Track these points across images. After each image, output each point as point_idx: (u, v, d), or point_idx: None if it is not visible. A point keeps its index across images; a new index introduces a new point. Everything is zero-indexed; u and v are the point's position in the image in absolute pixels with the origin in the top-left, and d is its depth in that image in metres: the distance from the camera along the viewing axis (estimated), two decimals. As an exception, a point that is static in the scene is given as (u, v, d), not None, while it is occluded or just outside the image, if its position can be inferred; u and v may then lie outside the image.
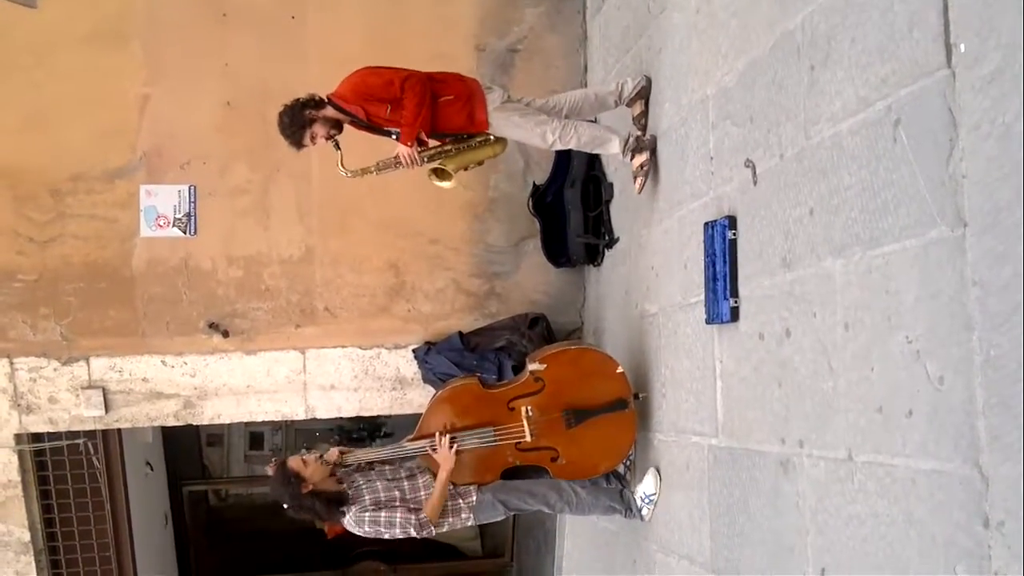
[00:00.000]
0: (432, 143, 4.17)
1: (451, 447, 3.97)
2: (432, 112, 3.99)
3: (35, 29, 5.19)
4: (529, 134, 4.20)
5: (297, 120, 4.03)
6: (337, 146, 4.14)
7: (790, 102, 2.84)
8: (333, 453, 4.04)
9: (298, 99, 4.05)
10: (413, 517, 3.90)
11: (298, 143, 4.10)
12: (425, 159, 4.14)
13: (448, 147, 4.17)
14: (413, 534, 3.95)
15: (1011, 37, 1.87)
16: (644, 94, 4.26)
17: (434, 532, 3.97)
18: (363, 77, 4.04)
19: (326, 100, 4.06)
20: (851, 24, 2.49)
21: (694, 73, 3.68)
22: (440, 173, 4.21)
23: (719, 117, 3.42)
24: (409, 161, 4.08)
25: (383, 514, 3.90)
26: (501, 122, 4.11)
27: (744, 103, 3.18)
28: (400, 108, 3.97)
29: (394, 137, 4.11)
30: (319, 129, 4.06)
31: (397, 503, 3.98)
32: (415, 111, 3.93)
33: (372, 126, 4.13)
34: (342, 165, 4.17)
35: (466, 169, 4.31)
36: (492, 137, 4.18)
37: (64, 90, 5.22)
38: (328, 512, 3.94)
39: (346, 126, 4.15)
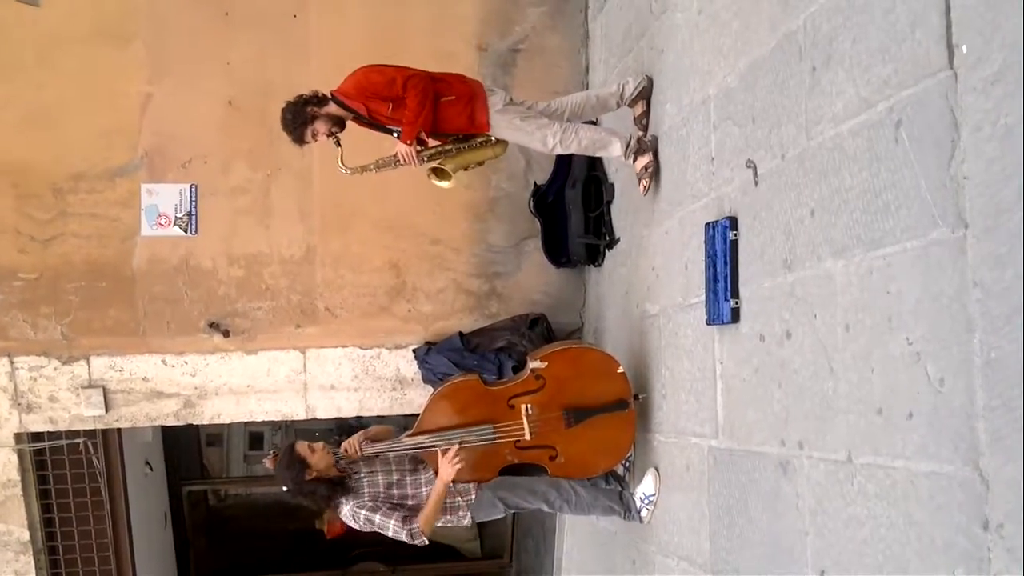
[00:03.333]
0: (432, 143, 4.20)
1: (455, 459, 3.91)
2: (433, 112, 4.01)
3: (38, 27, 5.19)
4: (530, 138, 4.20)
5: (300, 116, 4.07)
6: (338, 143, 4.15)
7: (791, 103, 2.84)
8: (354, 444, 4.02)
9: (301, 95, 4.09)
10: (404, 529, 3.87)
11: (300, 139, 4.14)
12: (425, 158, 4.17)
13: (448, 147, 4.19)
14: (404, 540, 3.93)
15: (1013, 38, 1.87)
16: (645, 94, 4.27)
17: (426, 541, 3.93)
18: (366, 74, 4.07)
19: (329, 97, 4.08)
20: (853, 25, 2.48)
21: (696, 73, 3.68)
22: (439, 172, 4.23)
23: (720, 117, 3.41)
24: (408, 159, 4.10)
25: (377, 517, 3.89)
26: (502, 125, 4.12)
27: (746, 104, 3.17)
28: (402, 107, 3.99)
29: (395, 135, 4.12)
30: (321, 126, 4.10)
31: (395, 501, 3.98)
32: (416, 110, 3.96)
33: (374, 123, 4.15)
34: (342, 162, 4.20)
35: (466, 169, 4.32)
36: (492, 139, 4.19)
37: (66, 88, 5.22)
38: (328, 498, 3.93)
39: (348, 124, 4.17)
